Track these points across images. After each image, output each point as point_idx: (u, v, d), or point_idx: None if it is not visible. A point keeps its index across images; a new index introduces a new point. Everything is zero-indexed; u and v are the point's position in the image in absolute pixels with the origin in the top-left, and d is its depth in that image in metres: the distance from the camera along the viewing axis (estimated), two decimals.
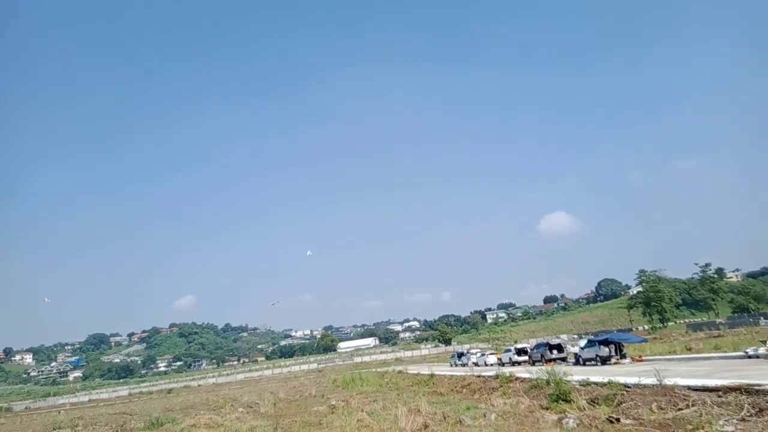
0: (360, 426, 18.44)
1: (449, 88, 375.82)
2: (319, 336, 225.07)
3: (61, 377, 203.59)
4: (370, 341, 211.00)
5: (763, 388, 13.47)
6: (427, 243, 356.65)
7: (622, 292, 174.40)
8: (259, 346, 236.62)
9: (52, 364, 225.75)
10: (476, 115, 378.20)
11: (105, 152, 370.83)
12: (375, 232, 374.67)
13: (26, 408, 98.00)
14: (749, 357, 24.49)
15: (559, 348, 40.76)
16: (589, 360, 33.92)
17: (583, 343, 39.12)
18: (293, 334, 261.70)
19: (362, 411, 22.19)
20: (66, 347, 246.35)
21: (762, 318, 74.11)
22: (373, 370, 64.65)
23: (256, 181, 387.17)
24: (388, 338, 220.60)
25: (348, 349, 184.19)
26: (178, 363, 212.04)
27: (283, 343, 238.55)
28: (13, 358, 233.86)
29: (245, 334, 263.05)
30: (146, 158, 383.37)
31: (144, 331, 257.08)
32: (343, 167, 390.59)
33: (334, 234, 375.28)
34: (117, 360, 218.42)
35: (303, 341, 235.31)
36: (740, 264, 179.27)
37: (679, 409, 13.63)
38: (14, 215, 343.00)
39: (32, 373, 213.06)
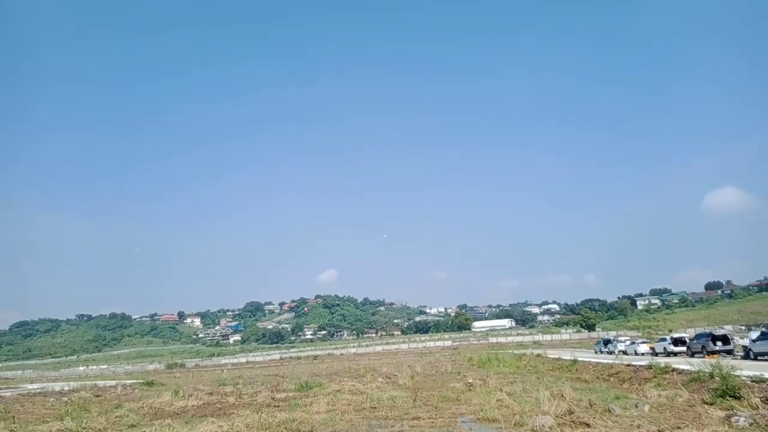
0: (500, 405, 18.17)
1: None
2: (453, 314, 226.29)
3: (223, 339, 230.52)
4: (506, 322, 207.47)
5: None
6: (568, 220, 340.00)
7: None
8: (396, 321, 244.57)
9: (216, 328, 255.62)
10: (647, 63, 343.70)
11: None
12: (510, 209, 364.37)
13: (196, 365, 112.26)
14: None
15: (725, 339, 36.47)
16: (763, 354, 29.95)
17: (755, 335, 34.67)
18: (428, 311, 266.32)
19: (501, 391, 21.88)
20: (227, 313, 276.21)
21: None
22: (510, 351, 63.47)
23: (389, 157, 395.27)
24: (524, 320, 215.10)
25: (483, 329, 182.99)
26: (323, 332, 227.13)
27: (417, 319, 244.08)
28: (185, 321, 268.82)
29: (382, 308, 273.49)
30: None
31: (293, 301, 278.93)
32: (480, 139, 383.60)
33: (465, 211, 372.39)
34: (270, 326, 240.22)
35: (437, 318, 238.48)
36: None
37: None
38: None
39: (200, 335, 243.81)
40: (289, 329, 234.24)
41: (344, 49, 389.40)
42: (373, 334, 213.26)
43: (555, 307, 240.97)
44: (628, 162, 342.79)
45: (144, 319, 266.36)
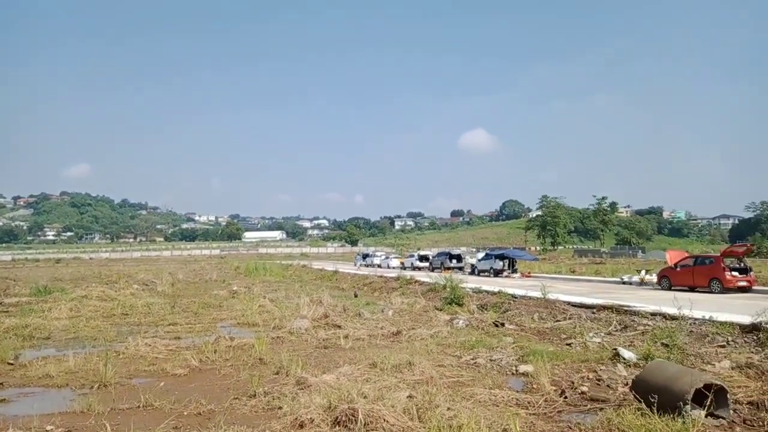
0: (261, 311, 18.71)
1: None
2: (224, 223, 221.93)
3: None
4: (277, 234, 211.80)
5: (630, 308, 15.03)
6: (344, 144, 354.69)
7: (523, 214, 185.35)
8: (159, 226, 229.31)
9: None
10: (412, 24, 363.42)
11: None
12: (291, 130, 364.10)
13: None
14: (623, 283, 27.21)
15: (459, 258, 43.27)
16: (484, 271, 36.38)
17: (480, 255, 41.71)
18: (196, 218, 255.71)
19: (264, 298, 22.49)
20: None
21: (640, 251, 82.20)
22: (278, 262, 65.32)
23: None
24: (295, 233, 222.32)
25: (254, 240, 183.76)
26: (69, 234, 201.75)
27: (185, 226, 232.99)
28: None
29: (144, 212, 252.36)
30: None
31: (31, 196, 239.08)
32: (271, 67, 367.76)
33: (249, 125, 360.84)
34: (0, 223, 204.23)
35: (207, 227, 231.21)
36: (633, 201, 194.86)
37: (557, 321, 14.96)
38: None
39: None
40: (25, 228, 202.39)
41: None
42: (131, 240, 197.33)
43: (325, 222, 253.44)
44: (400, 102, 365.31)
45: None
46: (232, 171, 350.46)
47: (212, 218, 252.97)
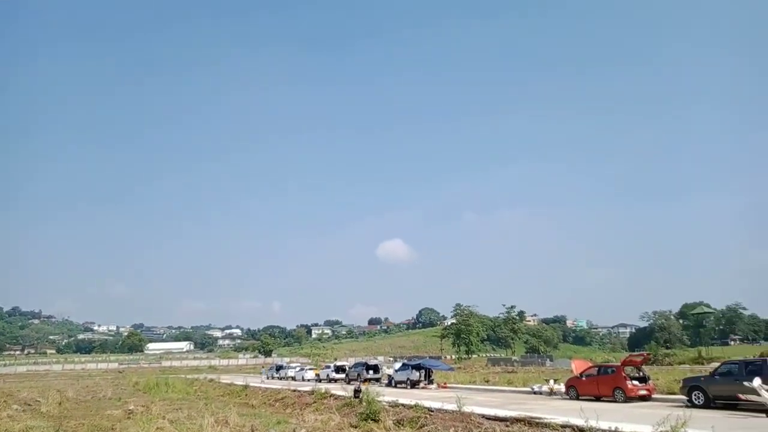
0: None
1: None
2: (126, 334, 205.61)
3: None
4: (185, 345, 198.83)
5: (542, 420, 15.29)
6: (262, 249, 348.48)
7: (439, 322, 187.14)
8: (52, 337, 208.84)
9: None
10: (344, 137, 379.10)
11: None
12: (205, 231, 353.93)
13: None
14: (534, 393, 27.71)
15: (376, 369, 42.34)
16: (401, 382, 35.78)
17: (397, 366, 41.17)
18: (95, 328, 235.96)
19: (164, 418, 20.64)
20: None
21: (548, 360, 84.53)
22: (183, 376, 60.64)
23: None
24: (205, 344, 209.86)
25: (158, 352, 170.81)
26: None
27: (81, 336, 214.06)
28: None
29: (36, 321, 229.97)
30: None
31: None
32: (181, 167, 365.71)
33: (158, 224, 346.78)
34: None
35: (106, 337, 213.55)
36: (538, 310, 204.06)
37: None
38: None
39: None
40: None
41: None
42: (18, 352, 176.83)
43: (238, 331, 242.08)
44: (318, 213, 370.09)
45: None
46: (137, 276, 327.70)
47: (113, 328, 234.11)
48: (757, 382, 16.18)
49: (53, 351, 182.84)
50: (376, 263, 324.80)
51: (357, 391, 23.25)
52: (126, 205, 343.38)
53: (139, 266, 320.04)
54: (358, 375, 40.77)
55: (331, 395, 26.21)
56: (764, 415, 16.32)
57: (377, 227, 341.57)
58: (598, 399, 22.46)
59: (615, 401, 21.61)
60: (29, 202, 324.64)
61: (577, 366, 25.68)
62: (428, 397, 24.46)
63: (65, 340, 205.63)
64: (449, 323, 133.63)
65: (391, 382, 37.13)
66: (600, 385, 22.82)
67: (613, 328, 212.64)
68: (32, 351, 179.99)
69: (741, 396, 16.70)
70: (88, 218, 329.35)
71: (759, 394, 16.04)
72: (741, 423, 15.52)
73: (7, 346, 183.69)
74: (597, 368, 24.73)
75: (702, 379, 20.33)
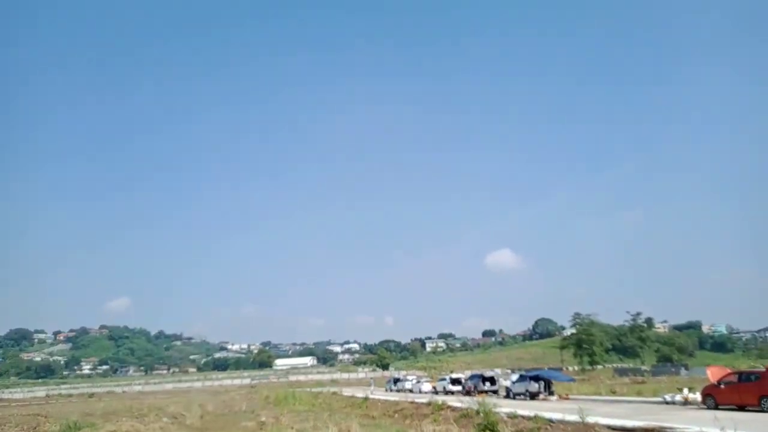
0: None
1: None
2: (256, 351, 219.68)
3: None
4: (308, 360, 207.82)
5: (674, 430, 14.39)
6: (374, 265, 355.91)
7: (557, 332, 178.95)
8: (192, 357, 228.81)
9: None
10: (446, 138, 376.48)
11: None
12: (322, 250, 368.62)
13: None
14: (666, 403, 25.82)
15: (492, 380, 41.69)
16: (519, 394, 34.93)
17: (515, 377, 40.23)
18: (229, 347, 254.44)
19: (292, 429, 22.05)
20: None
21: (683, 368, 77.64)
22: (308, 389, 63.77)
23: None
24: (326, 359, 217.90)
25: (284, 367, 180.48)
26: (104, 367, 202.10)
27: (217, 355, 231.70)
28: None
29: (179, 342, 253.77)
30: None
31: (71, 330, 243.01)
32: (300, 179, 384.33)
33: (281, 247, 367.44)
34: (38, 359, 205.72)
35: (239, 355, 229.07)
36: (669, 316, 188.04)
37: None
38: None
39: None
40: (62, 362, 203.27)
41: None
42: (165, 371, 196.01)
43: (355, 346, 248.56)
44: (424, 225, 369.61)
45: None
46: (263, 297, 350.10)
47: (244, 346, 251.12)
48: None
49: (194, 369, 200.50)
50: (485, 274, 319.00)
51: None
52: (255, 235, 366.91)
53: (264, 287, 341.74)
54: (475, 387, 40.40)
55: (448, 406, 26.34)
56: None
57: (484, 236, 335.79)
58: (741, 408, 20.49)
59: (762, 411, 19.60)
60: (175, 241, 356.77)
61: (713, 373, 23.61)
62: (548, 409, 23.74)
63: (204, 359, 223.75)
64: (568, 333, 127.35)
65: (509, 394, 36.34)
66: (742, 393, 20.80)
67: (758, 332, 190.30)
68: (176, 370, 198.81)
69: None
70: (223, 247, 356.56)
71: None
72: None
73: (155, 366, 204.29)
74: (738, 375, 22.58)
75: None
